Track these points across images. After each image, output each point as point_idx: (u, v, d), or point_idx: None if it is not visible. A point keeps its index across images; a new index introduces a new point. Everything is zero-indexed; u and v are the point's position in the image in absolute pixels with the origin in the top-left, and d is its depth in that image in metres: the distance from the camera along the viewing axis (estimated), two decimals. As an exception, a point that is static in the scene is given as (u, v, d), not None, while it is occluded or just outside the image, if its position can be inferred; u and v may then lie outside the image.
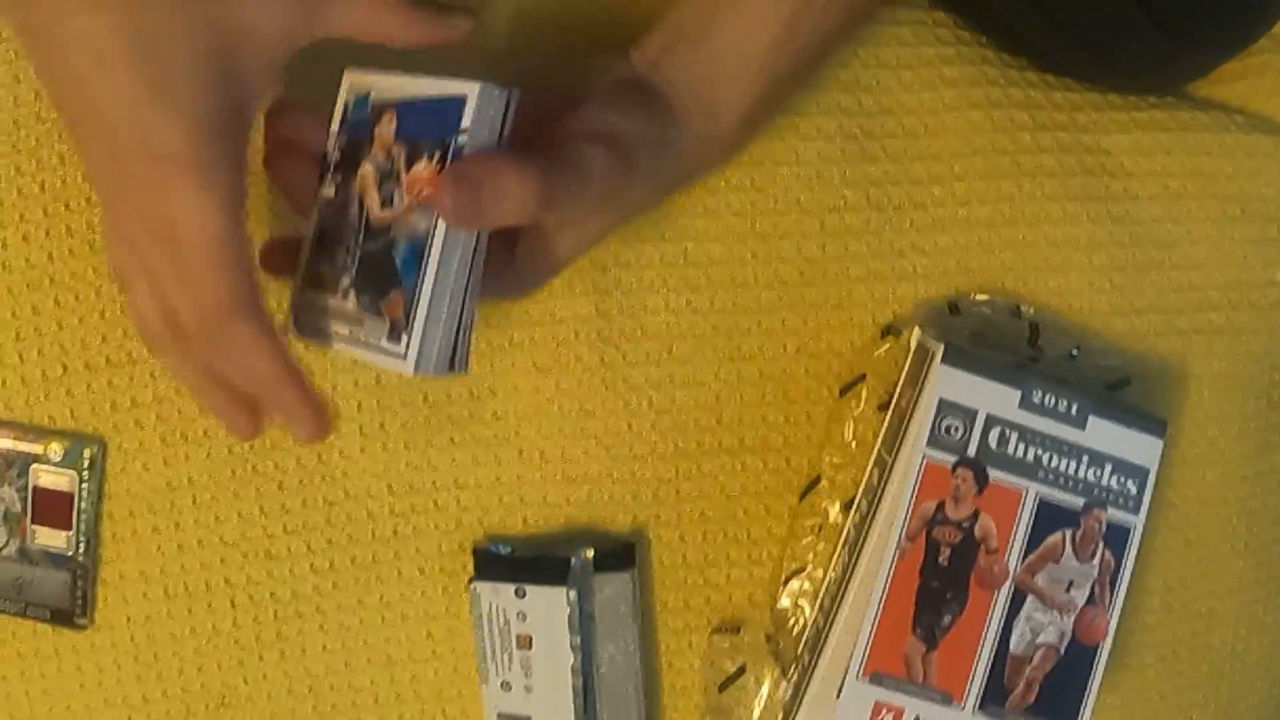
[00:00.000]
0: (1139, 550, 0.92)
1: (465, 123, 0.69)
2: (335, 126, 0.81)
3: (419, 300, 0.71)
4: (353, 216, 0.75)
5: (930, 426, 0.87)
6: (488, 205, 0.68)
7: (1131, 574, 0.91)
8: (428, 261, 0.71)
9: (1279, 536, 1.04)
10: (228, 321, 0.68)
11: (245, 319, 0.71)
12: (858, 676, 0.87)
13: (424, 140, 0.71)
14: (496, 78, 0.70)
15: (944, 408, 0.87)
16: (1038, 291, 0.96)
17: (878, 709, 0.87)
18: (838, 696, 0.88)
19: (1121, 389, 0.96)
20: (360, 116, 0.78)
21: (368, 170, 0.75)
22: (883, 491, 0.89)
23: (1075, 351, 0.95)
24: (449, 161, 0.69)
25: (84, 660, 0.96)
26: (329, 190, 0.81)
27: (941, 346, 0.87)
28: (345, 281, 0.76)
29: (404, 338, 0.72)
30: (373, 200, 0.74)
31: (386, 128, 0.74)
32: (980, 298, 0.94)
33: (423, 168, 0.71)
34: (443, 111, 0.70)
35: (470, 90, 0.69)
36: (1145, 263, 0.96)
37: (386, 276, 0.73)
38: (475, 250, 0.74)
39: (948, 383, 0.87)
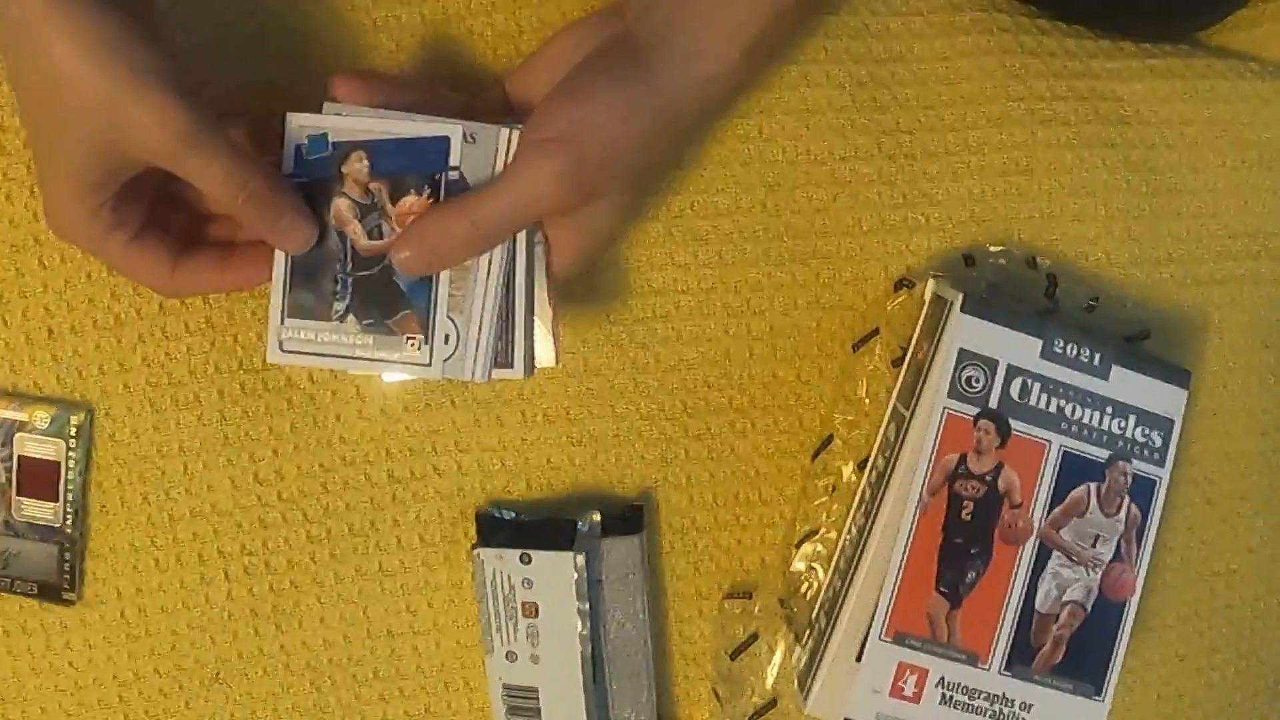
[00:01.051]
0: (1163, 506, 0.88)
1: (454, 160, 0.78)
2: (290, 167, 0.82)
3: (473, 312, 0.80)
4: (333, 248, 0.80)
5: (951, 377, 0.84)
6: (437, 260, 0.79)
7: (1158, 528, 0.87)
8: (475, 280, 0.80)
9: (1301, 494, 1.01)
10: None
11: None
12: (880, 637, 0.84)
13: (409, 175, 0.79)
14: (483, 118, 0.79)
15: (964, 357, 0.84)
16: (1054, 242, 0.94)
17: (901, 670, 0.85)
18: (858, 659, 0.86)
19: (1141, 341, 0.94)
20: (319, 155, 0.81)
21: (342, 205, 0.80)
22: (901, 446, 0.87)
23: (1094, 302, 0.93)
24: (443, 194, 0.79)
25: (73, 636, 0.93)
26: None
27: (960, 295, 0.85)
28: (339, 307, 0.80)
29: (425, 348, 0.80)
30: (356, 232, 0.80)
31: (358, 165, 0.79)
32: (995, 249, 0.92)
33: (413, 201, 0.79)
34: (423, 149, 0.78)
35: (453, 132, 0.78)
36: (1163, 211, 0.94)
37: (391, 298, 0.80)
38: (516, 260, 0.81)
39: (967, 332, 0.85)
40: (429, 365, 0.81)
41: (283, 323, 0.82)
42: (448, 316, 0.80)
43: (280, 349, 0.82)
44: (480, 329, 0.81)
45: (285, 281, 0.82)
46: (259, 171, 0.76)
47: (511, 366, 0.82)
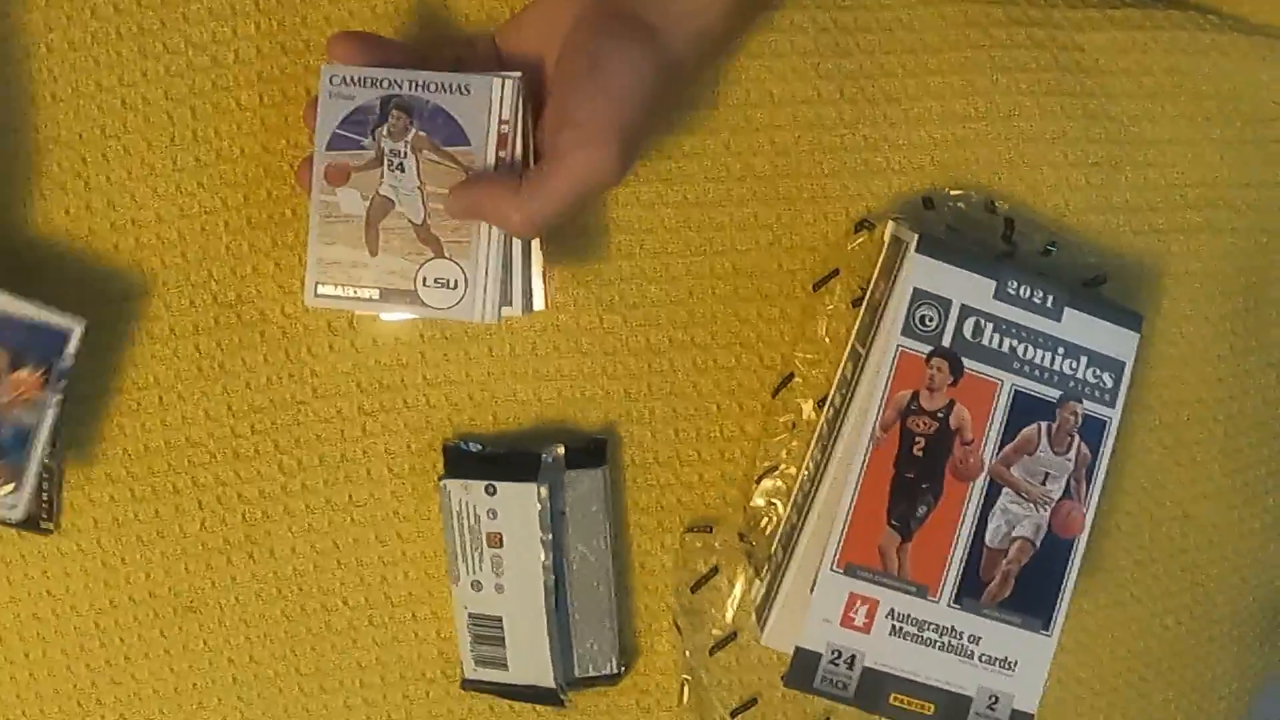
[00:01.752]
0: (1115, 449, 0.90)
1: (72, 348, 0.85)
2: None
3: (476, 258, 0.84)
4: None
5: (905, 315, 0.86)
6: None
7: (1108, 468, 0.89)
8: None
9: (1255, 441, 1.03)
10: None
11: None
12: (832, 567, 0.86)
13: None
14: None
15: (918, 296, 0.86)
16: (1013, 187, 0.95)
17: (852, 600, 0.87)
18: (811, 590, 0.87)
19: (1097, 286, 0.96)
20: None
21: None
22: (857, 383, 0.88)
23: (1052, 247, 0.94)
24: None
25: (50, 565, 0.96)
26: None
27: (916, 236, 0.86)
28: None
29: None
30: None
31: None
32: (955, 192, 0.93)
33: (25, 374, 0.85)
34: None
35: (75, 326, 0.86)
36: (1121, 160, 0.96)
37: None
38: None
39: (922, 272, 0.86)
40: (455, 307, 0.85)
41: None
42: (453, 261, 0.82)
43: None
44: (488, 273, 0.84)
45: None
46: None
47: (511, 305, 0.85)
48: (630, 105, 0.79)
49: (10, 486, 0.87)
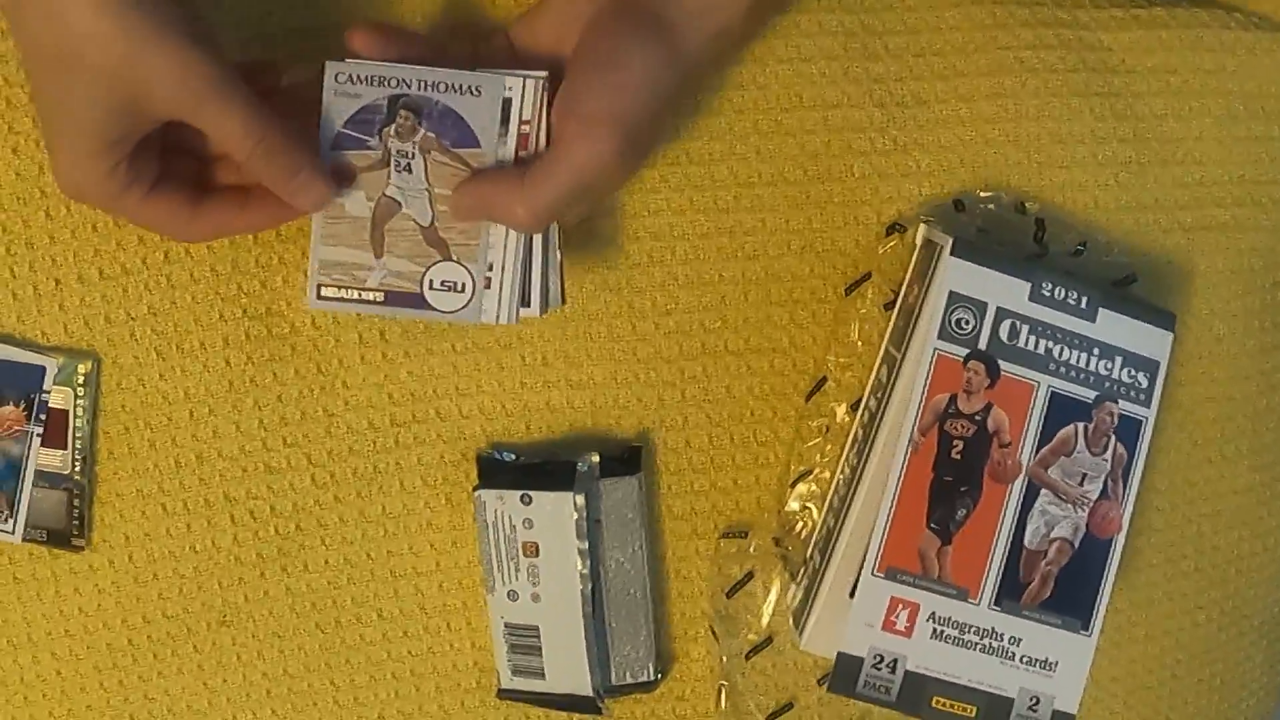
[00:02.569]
0: (1149, 446, 0.90)
1: (47, 384, 0.87)
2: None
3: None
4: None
5: (941, 319, 0.86)
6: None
7: (1144, 467, 0.89)
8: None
9: (1283, 437, 1.03)
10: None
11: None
12: (873, 572, 0.86)
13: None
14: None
15: (954, 300, 0.86)
16: (1042, 188, 0.95)
17: (893, 604, 0.87)
18: (851, 595, 0.87)
19: (1128, 285, 0.95)
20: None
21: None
22: (892, 388, 0.89)
23: (1081, 248, 0.94)
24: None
25: (82, 582, 0.95)
26: None
27: (950, 239, 0.87)
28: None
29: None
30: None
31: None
32: (985, 194, 0.93)
33: (9, 410, 0.88)
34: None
35: (49, 363, 0.88)
36: (1149, 159, 0.96)
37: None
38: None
39: (957, 275, 0.86)
40: (463, 310, 0.84)
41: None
42: (461, 264, 0.82)
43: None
44: (505, 272, 0.84)
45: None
46: (276, 126, 0.77)
47: (529, 305, 0.85)
48: (639, 100, 0.79)
49: (4, 514, 0.92)
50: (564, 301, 0.86)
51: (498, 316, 0.84)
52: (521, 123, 0.82)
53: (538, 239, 0.84)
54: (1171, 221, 0.97)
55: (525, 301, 0.84)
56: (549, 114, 0.82)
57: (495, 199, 0.80)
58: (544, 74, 0.82)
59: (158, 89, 0.72)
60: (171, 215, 0.79)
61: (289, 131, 0.78)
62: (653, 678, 0.97)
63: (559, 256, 0.85)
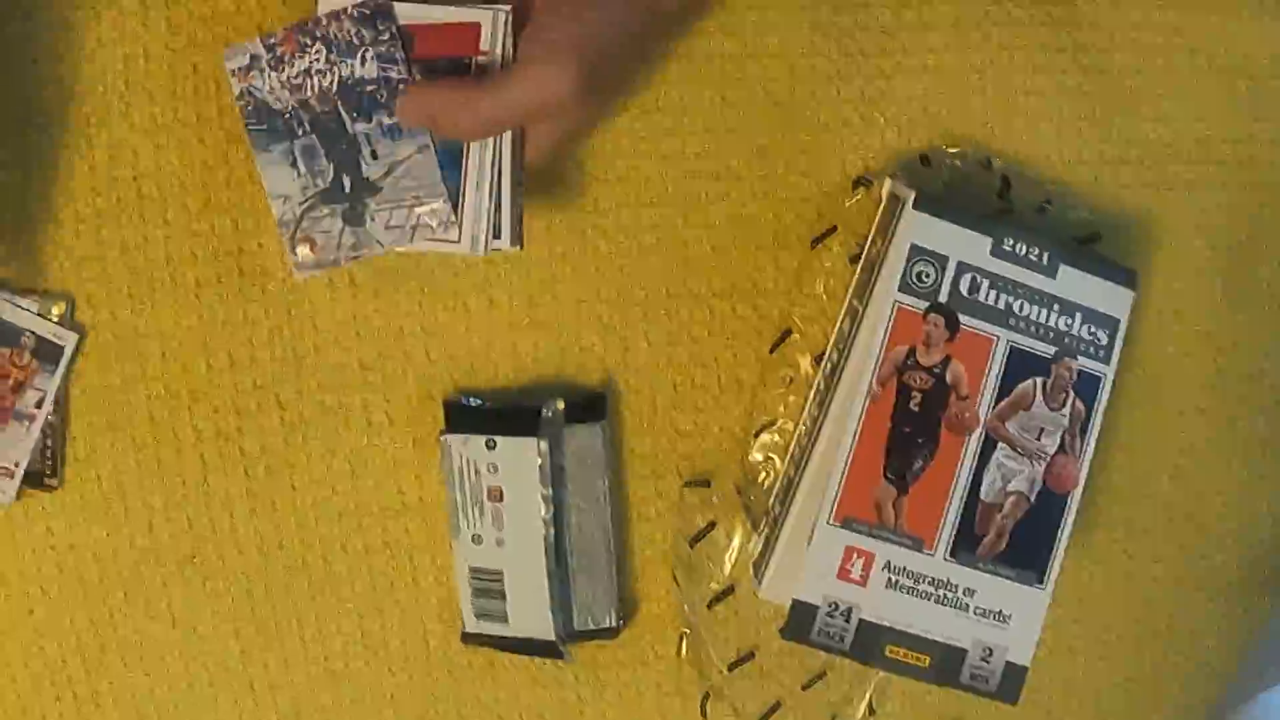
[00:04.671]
0: (1108, 403, 0.91)
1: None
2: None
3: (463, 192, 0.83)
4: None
5: (902, 272, 0.87)
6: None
7: (1101, 424, 0.90)
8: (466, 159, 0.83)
9: (1245, 394, 1.03)
10: None
11: None
12: (829, 521, 0.87)
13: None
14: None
15: (915, 253, 0.87)
16: (1008, 143, 0.96)
17: (849, 554, 0.88)
18: (809, 544, 0.88)
19: (1092, 243, 0.96)
20: None
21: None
22: (854, 339, 0.89)
23: (1047, 205, 0.95)
24: None
25: (54, 521, 0.97)
26: None
27: (913, 193, 0.87)
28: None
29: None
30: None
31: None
32: (952, 150, 0.94)
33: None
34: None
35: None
36: (1115, 115, 0.97)
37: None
38: (503, 142, 0.84)
39: (920, 229, 0.87)
40: (459, 242, 0.85)
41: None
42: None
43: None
44: (476, 207, 0.84)
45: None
46: None
47: (499, 238, 0.85)
48: (604, 34, 0.80)
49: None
50: (522, 244, 0.87)
51: (473, 249, 0.85)
52: (480, 53, 0.83)
53: (506, 175, 0.84)
54: (1136, 178, 0.98)
55: (496, 234, 0.85)
56: (514, 49, 0.83)
57: (445, 104, 0.81)
58: (508, 7, 0.82)
59: None
60: None
61: None
62: (615, 624, 0.98)
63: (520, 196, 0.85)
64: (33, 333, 0.92)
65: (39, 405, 0.93)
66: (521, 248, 0.86)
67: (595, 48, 0.79)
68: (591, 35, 0.79)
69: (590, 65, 0.79)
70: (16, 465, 0.94)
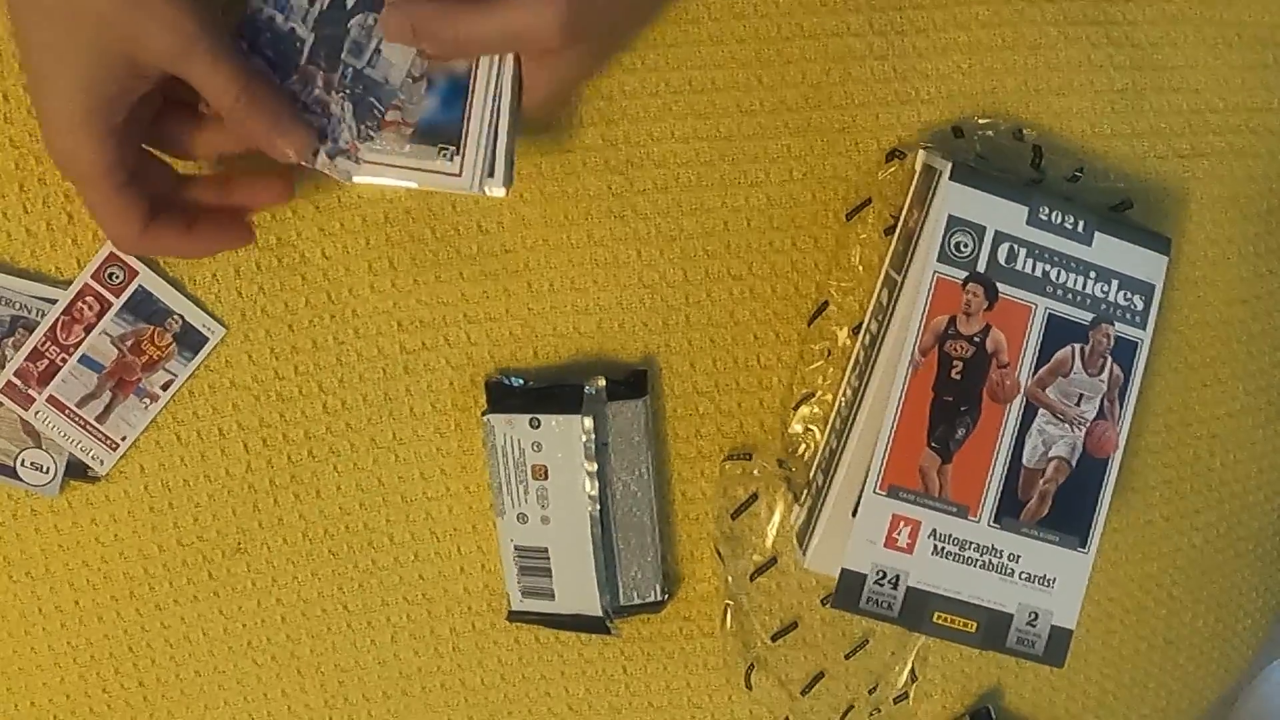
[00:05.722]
0: (1145, 368, 0.92)
1: None
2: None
3: (466, 127, 0.81)
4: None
5: (940, 242, 0.87)
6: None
7: (1139, 389, 0.91)
8: (471, 93, 0.81)
9: (1278, 361, 1.04)
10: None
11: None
12: (875, 490, 0.88)
13: None
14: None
15: (953, 224, 0.88)
16: (1040, 115, 0.97)
17: (895, 522, 0.88)
18: (854, 514, 0.89)
19: (1123, 211, 0.97)
20: None
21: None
22: (893, 310, 0.90)
23: (1078, 173, 0.96)
24: None
25: (98, 513, 0.97)
26: None
27: (949, 164, 0.88)
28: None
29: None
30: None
31: None
32: (983, 121, 0.95)
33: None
34: None
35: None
36: (1145, 86, 0.97)
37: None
38: (503, 81, 0.83)
39: (956, 199, 0.88)
40: (460, 176, 0.83)
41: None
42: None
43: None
44: (477, 142, 0.83)
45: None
46: (259, 77, 0.79)
47: (493, 176, 0.83)
48: None
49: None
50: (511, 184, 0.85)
51: (471, 185, 0.83)
52: None
53: (504, 116, 0.83)
54: (1167, 148, 0.98)
55: (490, 171, 0.83)
56: None
57: (425, 18, 0.80)
58: None
59: (150, 37, 0.74)
60: (128, 217, 0.80)
61: (271, 83, 0.81)
62: (660, 598, 0.99)
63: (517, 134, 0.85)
64: (182, 317, 0.92)
65: (165, 388, 0.94)
66: (510, 186, 0.84)
67: None
68: None
69: (581, 7, 0.78)
70: (123, 440, 0.95)
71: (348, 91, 0.83)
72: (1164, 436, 1.02)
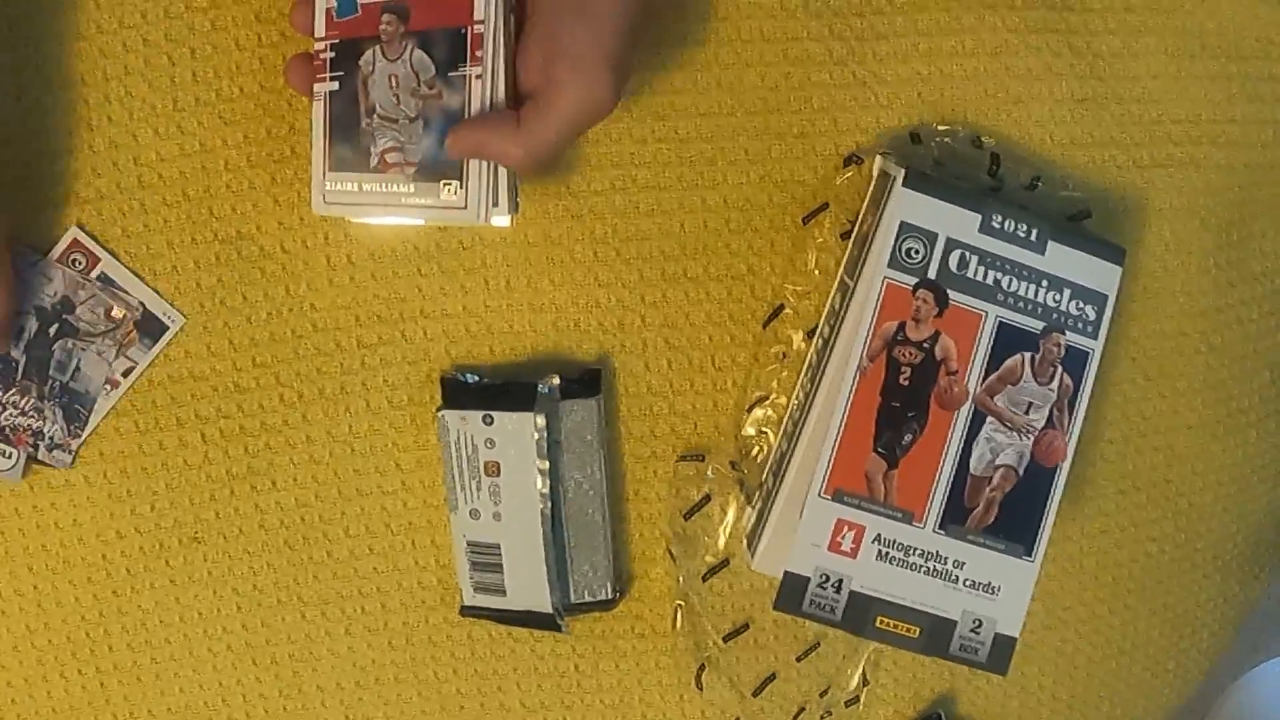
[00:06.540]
0: (1098, 380, 0.93)
1: (478, 14, 0.80)
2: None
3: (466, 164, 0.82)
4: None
5: (891, 248, 0.88)
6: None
7: (1090, 398, 0.92)
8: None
9: (1237, 373, 1.05)
10: None
11: None
12: (820, 494, 0.88)
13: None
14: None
15: (905, 230, 0.88)
16: (999, 122, 0.97)
17: (839, 526, 0.89)
18: (800, 516, 0.89)
19: (1082, 220, 0.97)
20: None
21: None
22: (844, 314, 0.90)
23: (1037, 182, 0.96)
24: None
25: (59, 498, 0.98)
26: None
27: (903, 170, 0.88)
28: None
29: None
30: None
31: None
32: (942, 128, 0.95)
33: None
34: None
35: None
36: (1105, 95, 0.97)
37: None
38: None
39: (909, 205, 0.88)
40: (465, 209, 0.84)
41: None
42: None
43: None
44: (479, 175, 0.84)
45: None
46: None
47: (497, 205, 0.84)
48: (619, 34, 0.80)
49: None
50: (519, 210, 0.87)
51: (477, 217, 0.84)
52: (475, 22, 0.82)
53: None
54: (1126, 158, 0.99)
55: (494, 201, 0.84)
56: (508, 22, 0.83)
57: (491, 142, 0.81)
58: None
59: None
60: None
61: None
62: (611, 596, 0.99)
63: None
64: (143, 304, 0.94)
65: (126, 374, 0.96)
66: (516, 214, 0.86)
67: (617, 48, 0.79)
68: (609, 35, 0.79)
69: (619, 67, 0.79)
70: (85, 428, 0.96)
71: (57, 399, 0.90)
72: (1120, 446, 1.02)
